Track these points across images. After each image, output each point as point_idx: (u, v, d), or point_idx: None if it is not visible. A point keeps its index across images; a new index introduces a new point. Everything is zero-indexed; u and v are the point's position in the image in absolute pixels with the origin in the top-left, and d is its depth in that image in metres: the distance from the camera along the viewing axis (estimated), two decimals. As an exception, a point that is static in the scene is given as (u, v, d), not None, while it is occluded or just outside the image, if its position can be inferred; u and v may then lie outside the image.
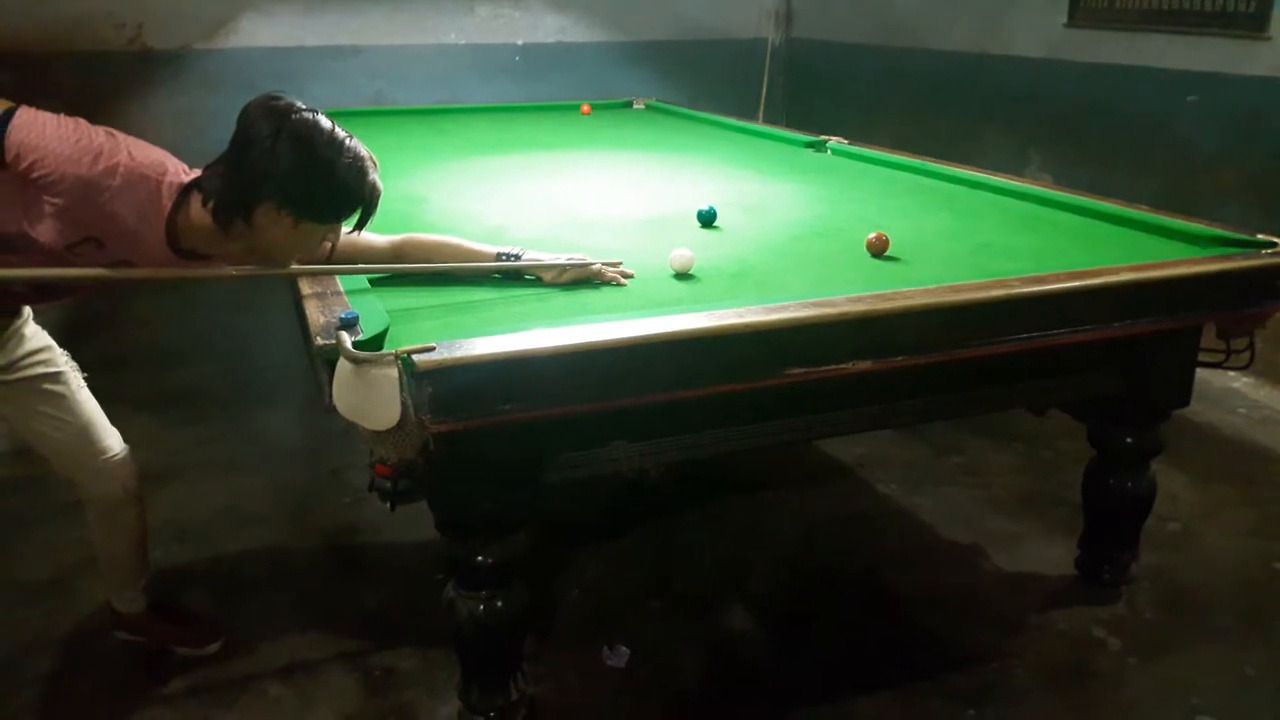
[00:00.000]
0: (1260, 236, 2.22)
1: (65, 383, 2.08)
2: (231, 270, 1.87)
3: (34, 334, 2.05)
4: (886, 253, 2.24)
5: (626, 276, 2.08)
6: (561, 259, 2.06)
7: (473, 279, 2.07)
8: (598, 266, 2.06)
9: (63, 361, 2.09)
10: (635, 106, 5.11)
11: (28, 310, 2.04)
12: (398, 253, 2.07)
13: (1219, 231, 2.29)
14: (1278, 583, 2.60)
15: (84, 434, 2.10)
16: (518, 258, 2.06)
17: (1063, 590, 2.54)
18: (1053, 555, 2.65)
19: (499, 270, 2.07)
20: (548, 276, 2.06)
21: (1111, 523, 2.47)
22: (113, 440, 2.15)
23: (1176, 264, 2.07)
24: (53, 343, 2.09)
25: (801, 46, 6.69)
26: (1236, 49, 3.74)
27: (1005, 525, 2.86)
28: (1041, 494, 3.01)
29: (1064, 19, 4.51)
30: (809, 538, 2.84)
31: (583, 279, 2.05)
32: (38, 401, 2.05)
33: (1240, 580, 2.61)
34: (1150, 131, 4.17)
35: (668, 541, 2.82)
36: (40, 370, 2.04)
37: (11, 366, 2.00)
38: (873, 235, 2.26)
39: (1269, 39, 3.63)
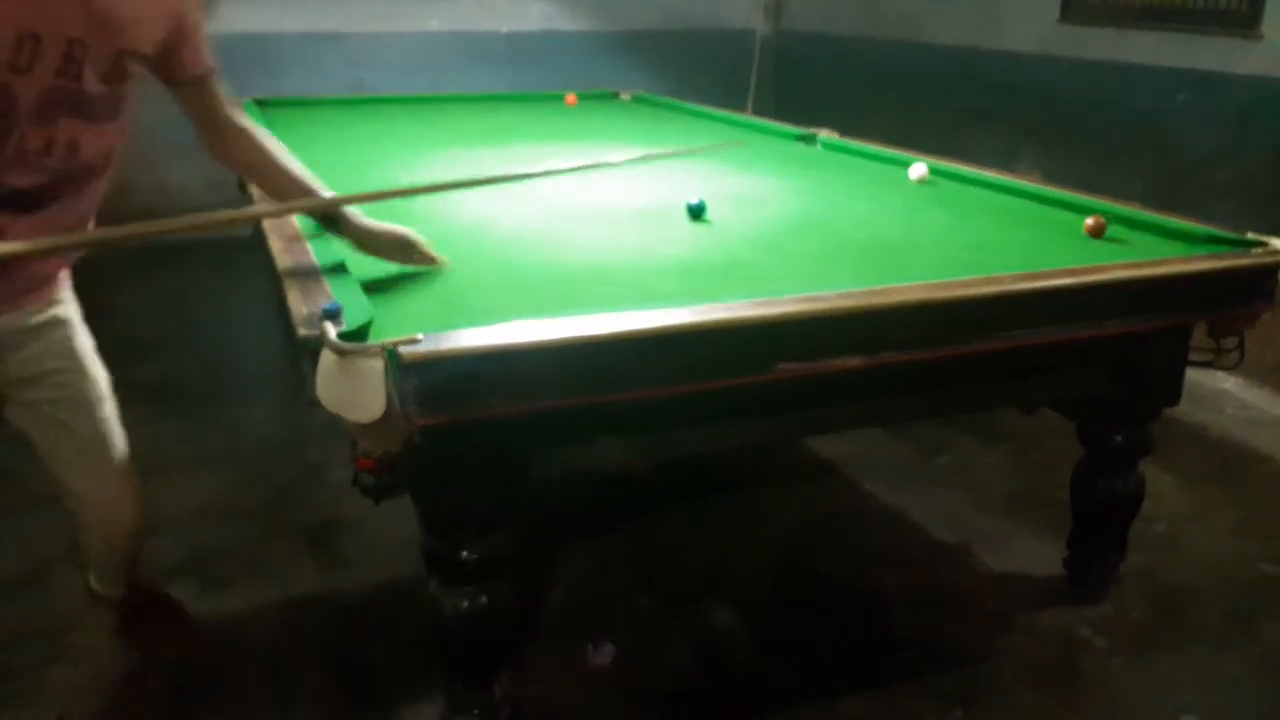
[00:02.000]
0: (1251, 235, 2.21)
1: (85, 405, 1.95)
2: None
3: (61, 342, 1.92)
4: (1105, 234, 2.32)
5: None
6: (386, 228, 1.97)
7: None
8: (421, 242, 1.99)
9: (84, 382, 1.95)
10: (622, 97, 5.07)
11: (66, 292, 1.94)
12: (231, 143, 1.96)
13: (1210, 230, 2.28)
14: (1263, 583, 2.60)
15: (97, 456, 1.99)
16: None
17: (1050, 590, 2.53)
18: (1040, 555, 2.64)
19: (318, 214, 1.97)
20: (367, 246, 1.96)
21: (1099, 522, 2.46)
22: (122, 466, 2.05)
23: (1168, 262, 2.07)
24: (81, 352, 1.97)
25: (791, 38, 6.67)
26: (1228, 48, 3.74)
27: (993, 525, 2.85)
28: (1030, 494, 3.00)
29: (1056, 15, 4.50)
30: (796, 536, 2.82)
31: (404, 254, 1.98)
32: (52, 422, 1.93)
33: (1226, 581, 2.61)
34: (1141, 129, 4.17)
35: (654, 539, 2.80)
36: (58, 394, 1.90)
37: (31, 382, 1.87)
38: (1090, 220, 2.33)
39: (1261, 38, 3.63)
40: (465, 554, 1.82)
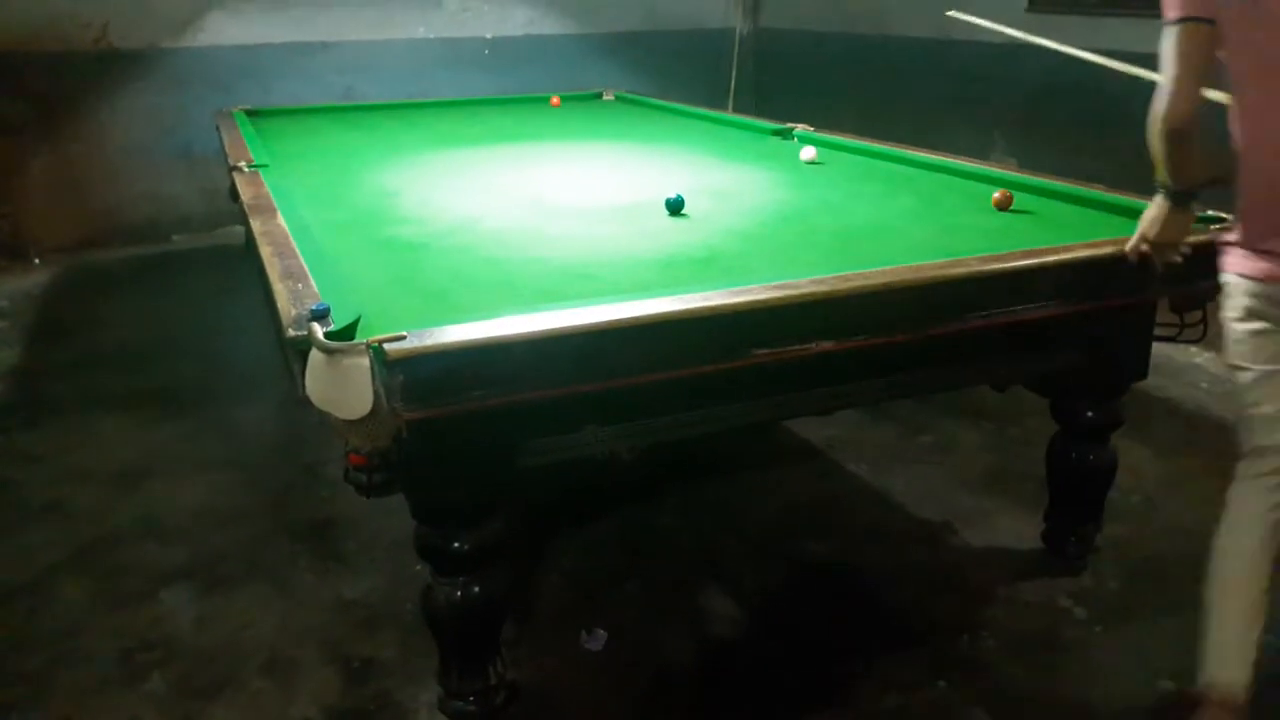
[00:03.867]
0: (1210, 212, 2.27)
1: None
2: None
3: None
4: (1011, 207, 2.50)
5: None
6: None
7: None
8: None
9: None
10: (605, 98, 5.13)
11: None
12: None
13: (1172, 208, 2.34)
14: (1238, 550, 2.67)
15: None
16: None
17: (1030, 563, 2.60)
18: (1020, 529, 2.71)
19: None
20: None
21: (1075, 495, 2.52)
22: None
23: (1128, 240, 2.12)
24: None
25: (770, 35, 6.74)
26: (1193, 31, 3.80)
27: (974, 502, 2.91)
28: (1010, 470, 3.06)
29: (1025, 4, 4.56)
30: (781, 518, 2.88)
31: None
32: None
33: (1201, 550, 2.63)
34: (1111, 114, 4.21)
35: (642, 525, 2.86)
36: None
37: None
38: (997, 194, 2.49)
39: (1224, 21, 3.68)
40: (457, 544, 1.88)
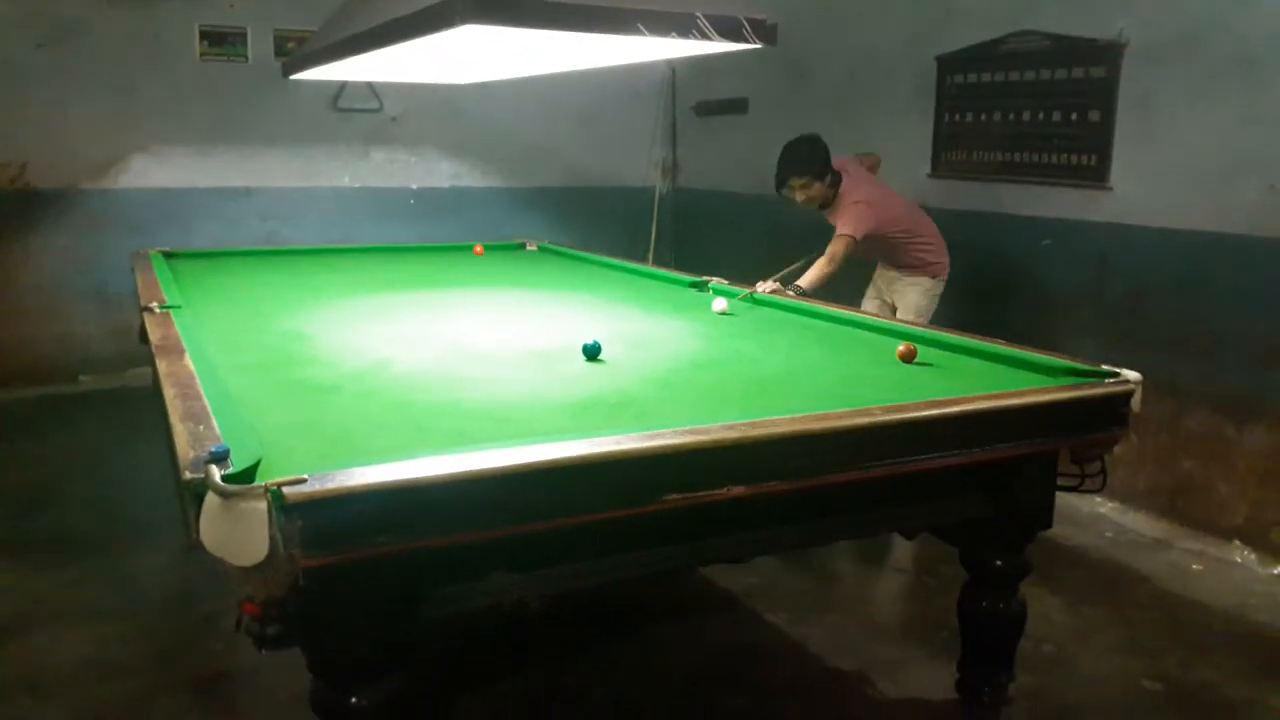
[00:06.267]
0: (1104, 367, 2.39)
1: None
2: None
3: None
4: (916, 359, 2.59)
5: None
6: None
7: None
8: None
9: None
10: (529, 248, 5.24)
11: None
12: None
13: (1068, 363, 2.46)
14: (1147, 700, 2.68)
15: None
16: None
17: (944, 714, 2.56)
18: (935, 680, 2.68)
19: None
20: None
21: (987, 644, 2.52)
22: None
23: (1028, 393, 2.22)
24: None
25: (687, 194, 7.02)
26: (1083, 197, 4.08)
27: (889, 652, 2.88)
28: (923, 618, 3.06)
29: (928, 170, 4.86)
30: (698, 670, 2.81)
31: None
32: None
33: (1112, 699, 2.68)
34: (1010, 272, 4.47)
35: (553, 678, 2.75)
36: None
37: None
38: (902, 347, 2.59)
39: (1111, 189, 3.98)
40: (355, 700, 1.78)
